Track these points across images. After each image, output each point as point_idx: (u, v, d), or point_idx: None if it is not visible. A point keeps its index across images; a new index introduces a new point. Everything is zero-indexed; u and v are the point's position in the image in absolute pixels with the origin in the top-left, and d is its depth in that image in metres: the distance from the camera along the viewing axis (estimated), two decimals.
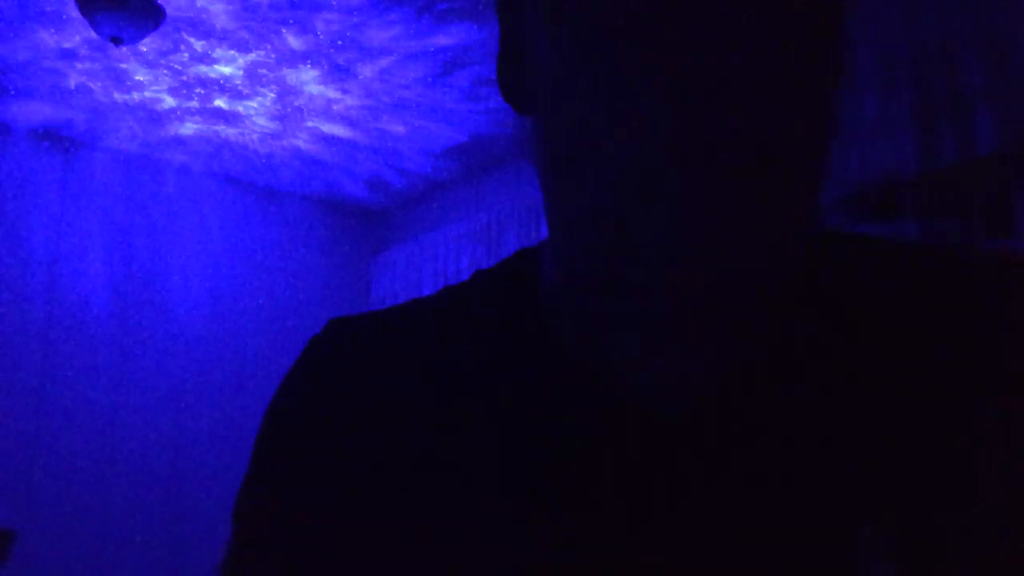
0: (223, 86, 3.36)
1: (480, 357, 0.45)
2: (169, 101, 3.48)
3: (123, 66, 3.22)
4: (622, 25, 0.35)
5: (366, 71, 3.25)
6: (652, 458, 0.40)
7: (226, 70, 3.25)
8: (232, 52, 3.13)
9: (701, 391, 0.41)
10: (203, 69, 3.24)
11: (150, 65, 3.21)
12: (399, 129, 3.70)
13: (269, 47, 3.10)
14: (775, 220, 0.37)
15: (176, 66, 3.22)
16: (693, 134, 0.34)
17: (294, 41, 3.06)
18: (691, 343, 0.41)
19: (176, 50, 3.11)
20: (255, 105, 3.51)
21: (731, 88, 0.34)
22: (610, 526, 0.40)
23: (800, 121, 0.36)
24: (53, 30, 2.98)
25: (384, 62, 3.19)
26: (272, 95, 3.43)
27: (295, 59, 3.17)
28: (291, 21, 2.94)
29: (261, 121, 3.64)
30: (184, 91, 3.40)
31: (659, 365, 0.41)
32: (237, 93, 3.41)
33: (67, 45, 3.08)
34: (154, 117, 3.61)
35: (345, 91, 3.39)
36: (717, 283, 0.38)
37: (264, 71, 3.26)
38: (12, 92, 3.40)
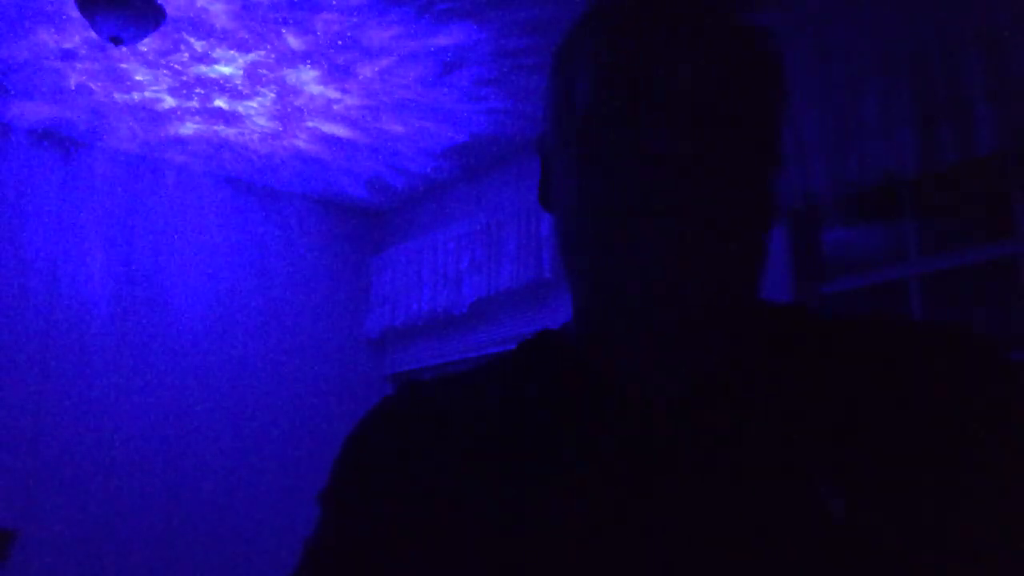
0: (223, 86, 3.36)
1: (527, 388, 0.62)
2: (169, 101, 3.48)
3: (123, 66, 3.22)
4: (607, 155, 0.55)
5: (366, 71, 3.25)
6: (656, 433, 0.56)
7: (226, 70, 3.25)
8: (232, 52, 3.13)
9: (687, 386, 0.58)
10: (203, 69, 3.24)
11: (150, 65, 3.21)
12: (399, 129, 3.70)
13: (269, 47, 3.10)
14: (715, 262, 0.54)
15: (176, 66, 3.22)
16: (652, 210, 0.53)
17: (294, 41, 3.06)
18: (674, 352, 0.59)
19: (176, 50, 3.11)
20: (255, 105, 3.51)
21: (679, 175, 0.53)
22: (627, 490, 0.54)
23: (726, 199, 0.54)
24: (53, 30, 2.98)
25: (384, 62, 3.19)
26: (272, 95, 3.43)
27: (295, 59, 3.17)
28: (291, 21, 2.94)
29: (261, 121, 3.64)
30: (184, 91, 3.40)
31: (654, 369, 0.59)
32: (237, 93, 3.41)
33: (67, 45, 3.08)
34: (154, 117, 3.61)
35: (345, 91, 3.39)
36: (681, 309, 0.55)
37: (264, 71, 3.26)
38: (12, 92, 3.40)
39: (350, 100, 3.46)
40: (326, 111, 3.54)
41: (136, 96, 3.44)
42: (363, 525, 0.61)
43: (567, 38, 0.62)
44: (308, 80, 3.31)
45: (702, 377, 0.58)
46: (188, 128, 3.71)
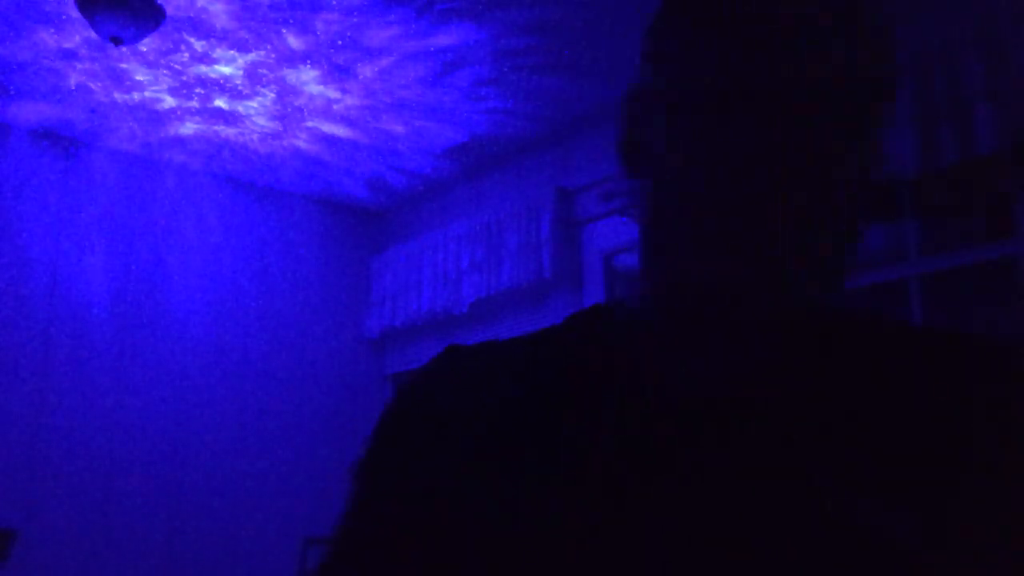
0: (223, 86, 3.36)
1: (561, 371, 0.62)
2: (169, 101, 3.48)
3: (123, 66, 3.22)
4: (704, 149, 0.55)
5: (366, 71, 3.25)
6: (694, 430, 0.56)
7: (226, 70, 3.25)
8: (232, 52, 3.13)
9: (729, 384, 0.57)
10: (203, 69, 3.24)
11: (150, 65, 3.21)
12: (399, 129, 3.70)
13: (269, 47, 3.10)
14: (773, 265, 0.53)
15: (176, 66, 3.22)
16: (740, 223, 0.53)
17: (294, 41, 3.06)
18: (725, 349, 0.58)
19: (176, 50, 3.11)
20: (255, 105, 3.51)
21: (756, 174, 0.52)
22: (662, 482, 0.54)
23: (803, 203, 0.53)
24: (53, 30, 2.98)
25: (384, 62, 3.19)
26: (272, 95, 3.43)
27: (295, 59, 3.18)
28: (291, 21, 2.94)
29: (261, 121, 3.64)
30: (184, 91, 3.40)
31: (700, 365, 0.58)
32: (237, 93, 3.41)
33: (67, 45, 3.08)
34: (154, 117, 3.61)
35: (345, 91, 3.40)
36: (735, 309, 0.55)
37: (264, 71, 3.26)
38: (12, 92, 3.40)
39: (350, 100, 3.46)
40: (326, 111, 3.54)
41: (136, 96, 3.44)
42: (370, 519, 0.64)
43: (669, 12, 0.60)
44: (308, 80, 3.31)
45: (722, 378, 0.58)
46: (188, 128, 3.71)
